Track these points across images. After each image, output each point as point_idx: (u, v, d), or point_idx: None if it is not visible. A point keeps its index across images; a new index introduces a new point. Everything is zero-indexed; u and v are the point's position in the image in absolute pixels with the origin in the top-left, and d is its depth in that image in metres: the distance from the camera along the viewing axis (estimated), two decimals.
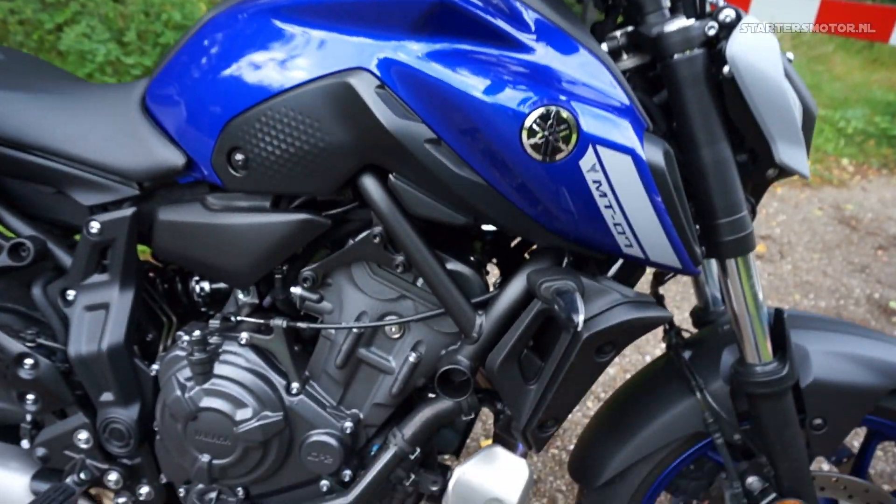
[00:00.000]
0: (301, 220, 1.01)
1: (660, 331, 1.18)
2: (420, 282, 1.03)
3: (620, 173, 0.84)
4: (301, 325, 1.05)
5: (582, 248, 0.94)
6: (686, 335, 1.25)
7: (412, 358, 1.05)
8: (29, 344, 1.15)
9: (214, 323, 1.11)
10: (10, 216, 1.16)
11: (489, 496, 1.09)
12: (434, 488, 1.18)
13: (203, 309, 1.22)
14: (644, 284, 1.10)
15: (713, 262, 1.20)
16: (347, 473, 1.12)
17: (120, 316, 1.12)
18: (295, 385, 1.08)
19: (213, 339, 1.08)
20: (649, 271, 1.07)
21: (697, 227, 0.94)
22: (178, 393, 1.05)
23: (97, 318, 1.13)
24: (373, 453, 1.13)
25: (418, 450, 1.09)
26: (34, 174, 1.12)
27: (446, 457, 1.30)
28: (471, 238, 1.17)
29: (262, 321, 1.08)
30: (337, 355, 1.07)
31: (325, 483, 1.13)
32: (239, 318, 1.10)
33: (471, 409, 1.07)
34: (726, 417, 1.09)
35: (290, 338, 1.07)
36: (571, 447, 1.54)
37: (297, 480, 1.13)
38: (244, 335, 1.07)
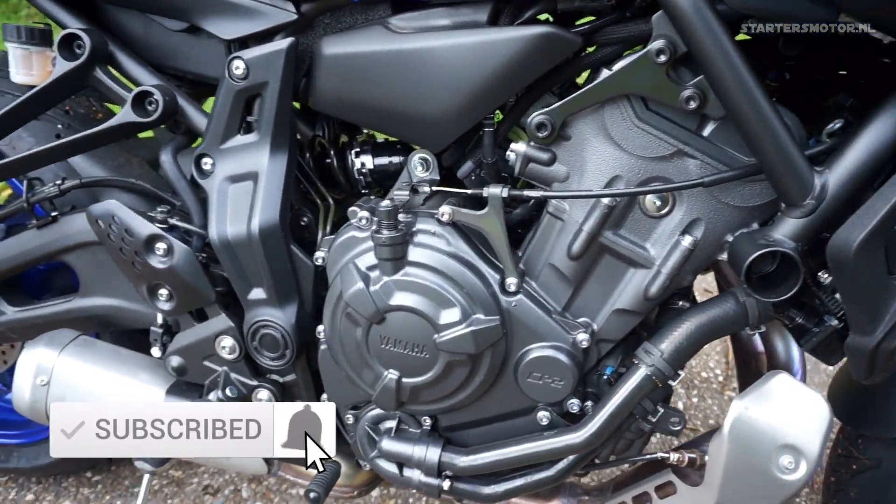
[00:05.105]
0: (539, 34, 0.70)
1: None
2: (708, 130, 0.71)
3: None
4: (531, 193, 0.75)
5: None
6: None
7: (686, 242, 0.73)
8: (160, 225, 0.91)
9: (401, 193, 0.83)
10: (132, 62, 0.91)
11: (782, 442, 0.77)
12: (676, 428, 0.88)
13: (364, 191, 0.95)
14: None
15: None
16: (575, 403, 0.83)
17: (272, 188, 0.85)
18: (512, 281, 0.79)
19: (402, 217, 0.79)
20: None
21: None
22: (360, 286, 0.78)
23: (243, 191, 0.87)
24: (605, 377, 0.83)
25: (682, 374, 0.79)
26: (163, 2, 0.86)
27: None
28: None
29: (469, 191, 0.78)
30: (573, 241, 0.76)
31: (543, 415, 0.84)
32: (435, 188, 0.81)
33: (764, 317, 0.75)
34: None
35: (506, 215, 0.77)
36: None
37: (503, 410, 0.85)
38: (445, 209, 0.77)
